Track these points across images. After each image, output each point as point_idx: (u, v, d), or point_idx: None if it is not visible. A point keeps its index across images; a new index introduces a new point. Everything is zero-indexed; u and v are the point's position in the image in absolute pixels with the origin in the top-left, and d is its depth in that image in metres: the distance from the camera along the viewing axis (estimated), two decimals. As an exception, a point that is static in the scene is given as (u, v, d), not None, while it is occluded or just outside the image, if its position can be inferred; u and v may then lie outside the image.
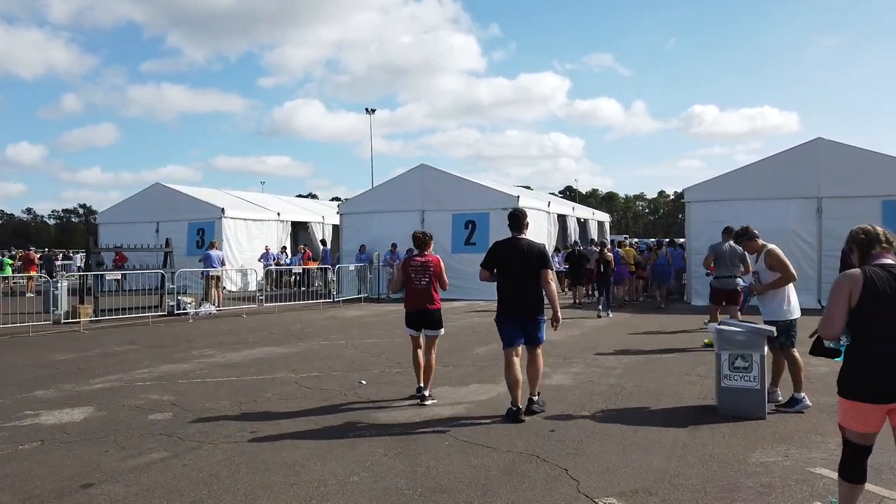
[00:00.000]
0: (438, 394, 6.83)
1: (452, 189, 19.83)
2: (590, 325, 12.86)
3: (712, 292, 10.34)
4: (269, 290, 20.83)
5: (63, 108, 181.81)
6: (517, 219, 6.11)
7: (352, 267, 18.81)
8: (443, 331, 6.68)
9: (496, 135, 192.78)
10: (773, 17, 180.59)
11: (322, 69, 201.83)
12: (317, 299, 17.09)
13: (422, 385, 6.55)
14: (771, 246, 6.65)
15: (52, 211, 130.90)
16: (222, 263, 16.69)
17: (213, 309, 15.61)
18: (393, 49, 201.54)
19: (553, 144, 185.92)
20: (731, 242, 9.58)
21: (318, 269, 20.78)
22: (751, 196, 16.53)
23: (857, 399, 3.23)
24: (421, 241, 6.66)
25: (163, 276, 15.23)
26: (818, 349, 3.43)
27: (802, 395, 6.15)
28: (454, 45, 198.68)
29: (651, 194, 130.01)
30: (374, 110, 63.40)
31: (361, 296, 18.48)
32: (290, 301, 16.58)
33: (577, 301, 17.76)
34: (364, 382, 7.53)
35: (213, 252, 16.58)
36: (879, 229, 3.43)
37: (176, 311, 14.52)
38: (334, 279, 17.07)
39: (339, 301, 17.40)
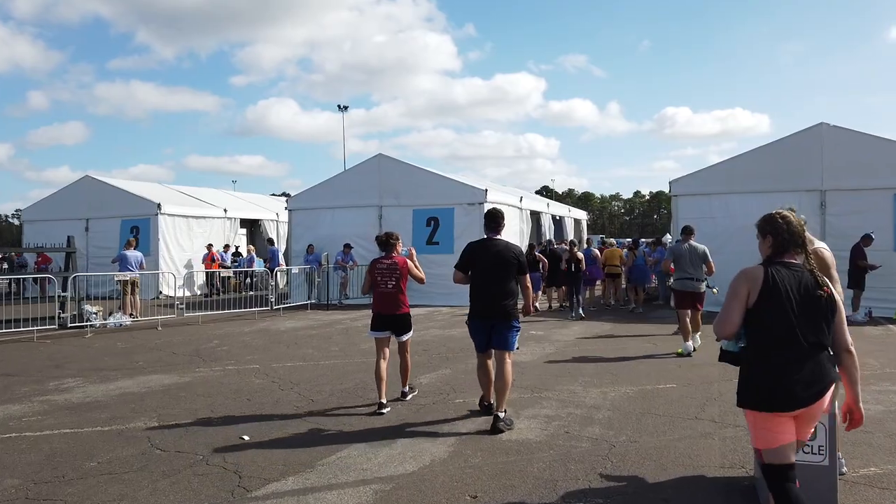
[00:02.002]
0: (342, 460, 4.69)
1: (413, 182, 17.67)
2: (564, 337, 10.80)
3: (674, 295, 9.83)
4: (212, 295, 18.63)
5: (29, 106, 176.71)
6: (494, 218, 5.86)
7: (296, 269, 16.51)
8: (412, 333, 6.48)
9: (472, 135, 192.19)
10: (742, 21, 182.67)
11: (295, 68, 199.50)
12: (254, 306, 14.77)
13: (391, 393, 6.30)
14: (819, 244, 4.56)
15: (17, 210, 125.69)
16: (141, 266, 14.27)
17: (125, 320, 13.22)
18: (367, 48, 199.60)
19: (529, 145, 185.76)
20: (692, 242, 9.38)
21: (259, 272, 18.41)
22: (746, 189, 14.63)
23: (760, 408, 2.96)
24: (384, 242, 6.44)
25: (65, 280, 12.77)
26: (721, 354, 3.19)
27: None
28: (429, 45, 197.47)
29: (627, 194, 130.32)
30: (346, 107, 60.88)
31: (308, 302, 16.21)
32: (219, 309, 14.26)
33: (552, 306, 16.11)
34: (246, 438, 5.31)
35: (130, 252, 14.16)
36: (802, 228, 3.07)
37: (72, 324, 12.09)
38: (273, 283, 14.74)
39: (279, 309, 15.09)
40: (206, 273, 20.08)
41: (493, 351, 5.66)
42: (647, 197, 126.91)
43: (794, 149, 14.50)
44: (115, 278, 13.69)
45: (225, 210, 23.40)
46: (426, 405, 6.37)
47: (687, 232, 9.63)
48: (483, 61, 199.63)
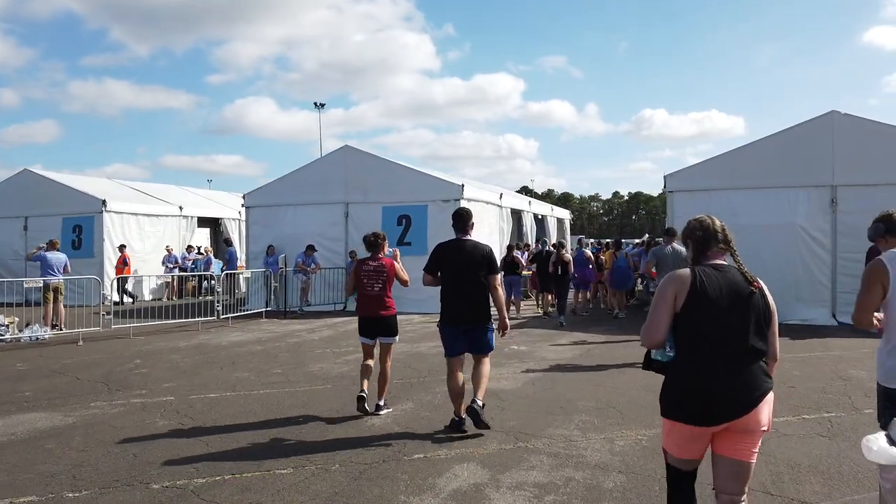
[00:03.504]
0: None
1: (383, 177, 16.00)
2: (550, 354, 9.23)
3: None
4: (166, 299, 16.85)
5: (0, 103, 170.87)
6: (462, 218, 5.69)
7: (247, 273, 14.74)
8: (397, 338, 6.28)
9: (451, 135, 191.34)
10: (718, 25, 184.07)
11: (272, 66, 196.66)
12: (200, 315, 12.96)
13: (366, 394, 6.03)
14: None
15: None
16: (65, 269, 12.41)
17: (42, 333, 11.38)
18: (345, 47, 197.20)
19: (508, 145, 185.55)
20: (675, 245, 8.78)
21: (217, 276, 16.57)
22: (749, 184, 13.22)
23: (677, 419, 2.76)
24: (372, 243, 6.20)
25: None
26: (647, 363, 2.94)
27: None
28: (408, 44, 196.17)
29: (605, 195, 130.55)
30: (323, 105, 58.79)
31: (263, 310, 14.46)
32: (161, 318, 12.45)
33: (545, 312, 14.65)
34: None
35: (51, 254, 12.27)
36: (718, 224, 2.93)
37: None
38: (219, 289, 12.96)
39: (228, 317, 13.30)
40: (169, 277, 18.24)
41: (472, 355, 5.48)
42: (626, 198, 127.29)
43: (802, 140, 13.10)
44: (25, 284, 11.81)
45: (180, 208, 21.50)
46: (371, 468, 4.72)
47: (671, 234, 9.17)
48: (462, 61, 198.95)
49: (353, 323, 13.58)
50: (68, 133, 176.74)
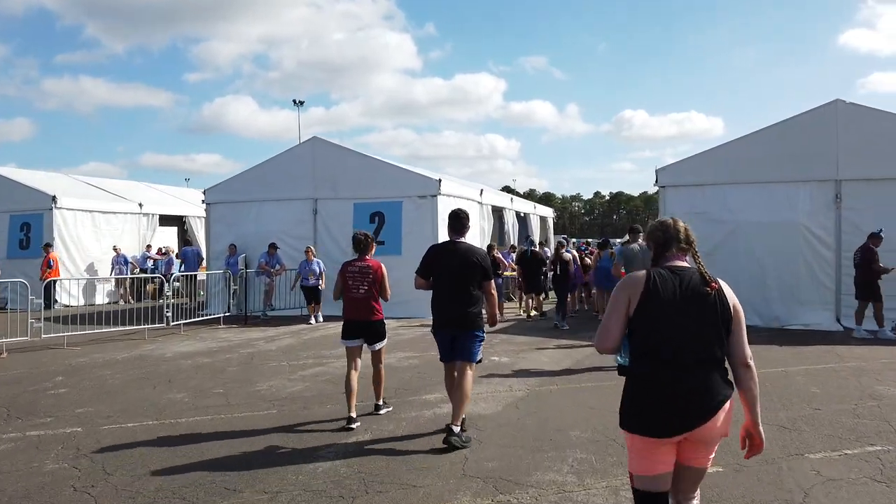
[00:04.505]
0: None
1: (354, 171, 14.83)
2: (538, 366, 8.15)
3: None
4: (123, 303, 15.54)
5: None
6: (458, 219, 5.38)
7: (202, 275, 13.46)
8: (386, 341, 6.00)
9: (433, 135, 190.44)
10: (698, 27, 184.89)
11: (251, 65, 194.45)
12: (150, 322, 11.67)
13: (355, 417, 5.57)
14: None
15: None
16: (-6, 271, 11.08)
17: (-38, 343, 10.04)
18: (325, 46, 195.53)
19: (490, 145, 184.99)
20: (641, 242, 8.38)
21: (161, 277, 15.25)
22: (747, 179, 12.29)
23: (634, 430, 2.60)
24: (360, 242, 5.92)
25: None
26: (619, 368, 2.81)
27: None
28: (389, 44, 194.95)
29: (587, 195, 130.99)
30: (302, 102, 57.23)
31: (221, 315, 13.20)
32: (103, 325, 11.16)
33: (528, 316, 13.77)
34: None
35: (-23, 255, 10.95)
36: (682, 225, 2.79)
37: None
38: (168, 293, 11.66)
39: (180, 324, 12.02)
40: (120, 280, 16.87)
41: (456, 362, 5.26)
42: (607, 198, 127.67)
43: (804, 131, 12.16)
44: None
45: (140, 205, 20.15)
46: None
47: (635, 232, 8.96)
48: (443, 61, 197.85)
49: (318, 330, 12.45)
50: (43, 131, 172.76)
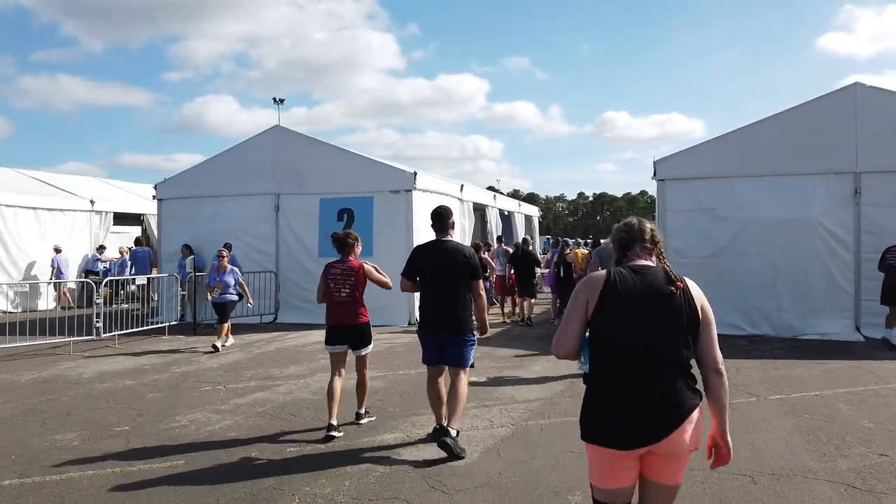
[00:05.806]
0: None
1: (321, 163, 13.40)
2: (524, 392, 6.75)
3: None
4: (62, 309, 13.87)
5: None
6: (441, 217, 5.21)
7: (141, 280, 11.90)
8: (371, 346, 5.77)
9: (416, 136, 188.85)
10: (680, 29, 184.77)
11: (231, 64, 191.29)
12: (79, 334, 10.07)
13: (336, 425, 5.33)
14: None
15: None
16: None
17: None
18: (307, 45, 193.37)
19: (474, 146, 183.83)
20: None
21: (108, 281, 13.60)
22: (757, 171, 11.02)
23: (593, 441, 2.45)
24: (340, 242, 5.68)
25: None
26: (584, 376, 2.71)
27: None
28: (372, 43, 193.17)
29: (570, 196, 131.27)
30: (282, 100, 55.83)
31: (167, 325, 11.65)
32: (23, 338, 9.56)
33: (523, 320, 12.66)
34: None
35: None
36: (648, 225, 2.65)
37: None
38: (98, 301, 10.05)
39: (115, 335, 10.43)
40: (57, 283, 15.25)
41: (447, 368, 5.06)
42: (591, 198, 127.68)
43: (820, 119, 10.90)
44: None
45: (92, 202, 18.48)
46: None
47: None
48: (427, 61, 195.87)
49: (273, 342, 10.93)
50: (19, 130, 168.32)
